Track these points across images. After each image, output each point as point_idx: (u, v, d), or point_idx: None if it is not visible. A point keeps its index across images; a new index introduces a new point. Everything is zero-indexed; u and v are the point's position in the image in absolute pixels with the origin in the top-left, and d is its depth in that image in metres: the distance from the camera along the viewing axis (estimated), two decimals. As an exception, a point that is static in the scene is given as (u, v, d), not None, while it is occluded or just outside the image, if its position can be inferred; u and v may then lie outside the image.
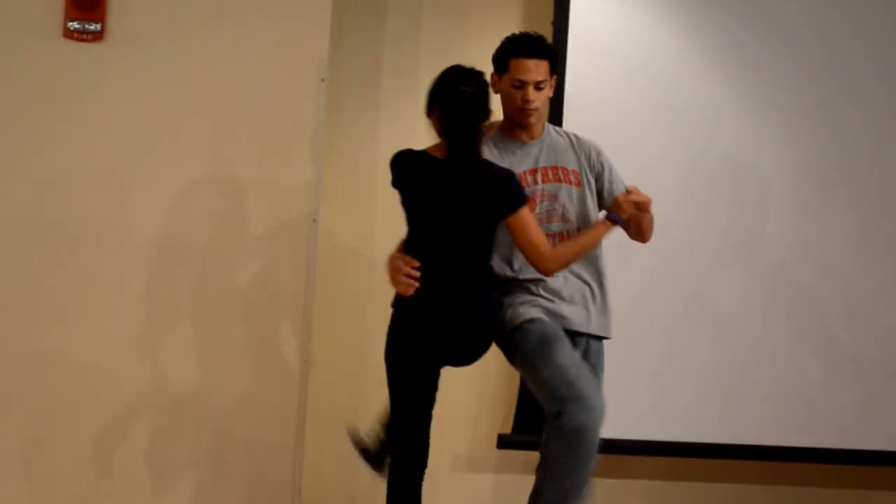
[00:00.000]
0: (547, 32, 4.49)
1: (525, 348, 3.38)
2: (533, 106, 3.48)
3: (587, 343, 3.55)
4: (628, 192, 3.45)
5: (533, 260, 3.39)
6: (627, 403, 4.32)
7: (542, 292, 3.48)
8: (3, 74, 4.07)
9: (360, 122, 4.67)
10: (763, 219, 4.65)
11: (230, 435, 4.16)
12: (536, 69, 3.48)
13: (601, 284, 3.59)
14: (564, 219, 3.51)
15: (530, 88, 3.48)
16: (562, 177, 3.54)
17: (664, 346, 4.60)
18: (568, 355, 3.34)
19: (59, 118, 4.09)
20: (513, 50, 3.51)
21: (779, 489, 4.86)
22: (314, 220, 4.18)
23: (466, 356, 3.41)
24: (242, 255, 4.16)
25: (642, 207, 3.44)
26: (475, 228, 3.34)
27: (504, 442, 4.55)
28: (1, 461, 4.06)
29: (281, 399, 4.15)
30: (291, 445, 4.15)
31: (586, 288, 3.55)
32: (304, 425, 4.18)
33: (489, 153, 3.44)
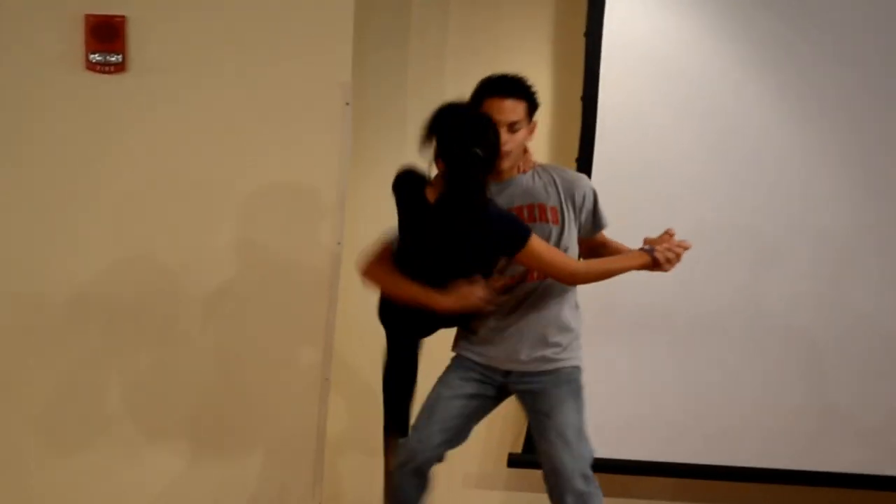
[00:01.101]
0: (580, 45, 4.41)
1: None
2: (506, 148, 3.36)
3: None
4: (669, 234, 3.45)
5: (561, 278, 3.38)
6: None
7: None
8: (28, 107, 4.08)
9: (386, 144, 4.62)
10: (799, 233, 4.52)
11: (252, 443, 4.18)
12: (512, 109, 3.37)
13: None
14: None
15: (503, 129, 3.36)
16: (538, 215, 3.44)
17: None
18: None
19: (84, 148, 4.09)
20: (488, 89, 3.41)
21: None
22: (339, 243, 4.13)
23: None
24: (267, 276, 4.14)
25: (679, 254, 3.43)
26: (476, 268, 3.35)
27: (514, 461, 4.63)
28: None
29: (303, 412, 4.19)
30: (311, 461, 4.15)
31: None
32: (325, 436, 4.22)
33: None
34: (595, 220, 3.57)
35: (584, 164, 4.42)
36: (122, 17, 4.04)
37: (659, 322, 4.51)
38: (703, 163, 4.50)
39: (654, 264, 3.43)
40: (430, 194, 3.31)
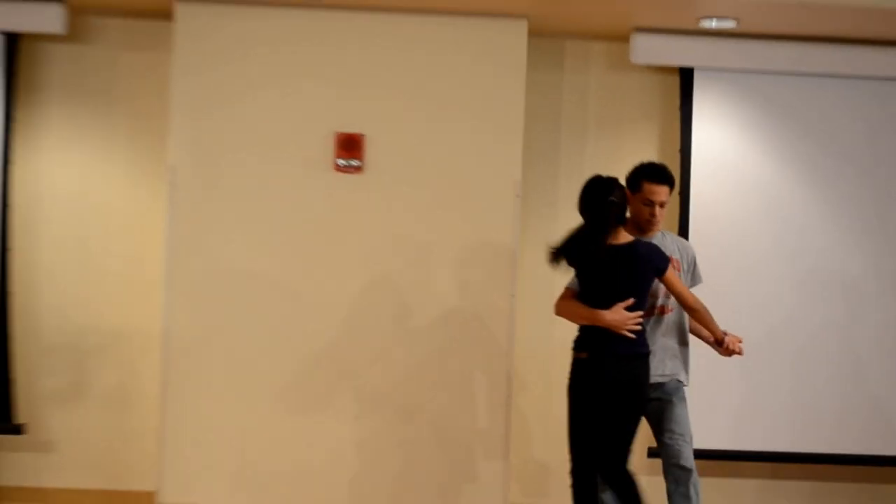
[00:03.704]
0: (675, 158, 6.14)
1: None
2: (657, 220, 4.85)
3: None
4: (740, 339, 4.87)
5: (682, 300, 4.76)
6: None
7: None
8: (294, 195, 5.94)
9: (541, 223, 6.32)
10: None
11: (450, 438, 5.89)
12: (664, 192, 4.84)
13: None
14: (667, 294, 4.79)
15: (657, 207, 4.85)
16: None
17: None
18: None
19: (334, 223, 5.95)
20: (647, 175, 4.78)
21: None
22: (512, 295, 5.82)
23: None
24: (466, 319, 5.90)
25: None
26: (639, 291, 4.68)
27: (652, 452, 6.01)
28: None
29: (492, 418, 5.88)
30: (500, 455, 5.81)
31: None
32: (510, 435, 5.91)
33: None
34: (694, 276, 5.06)
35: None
36: (362, 134, 5.91)
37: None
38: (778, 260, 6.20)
39: (720, 343, 4.84)
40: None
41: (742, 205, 6.19)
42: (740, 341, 4.87)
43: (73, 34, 6.17)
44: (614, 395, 4.65)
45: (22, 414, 6.15)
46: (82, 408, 6.28)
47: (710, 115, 6.21)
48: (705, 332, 4.91)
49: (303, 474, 5.94)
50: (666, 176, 4.85)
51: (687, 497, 4.83)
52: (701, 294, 5.03)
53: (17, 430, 6.10)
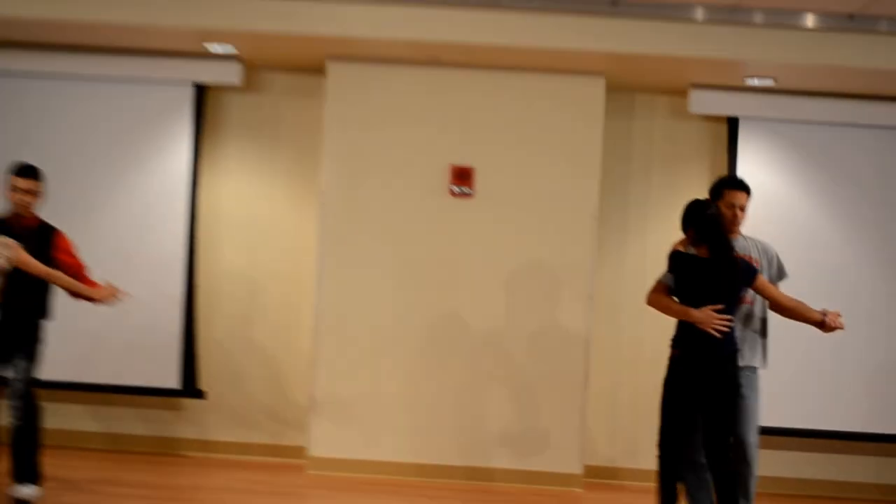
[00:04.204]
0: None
1: None
2: (738, 221, 5.31)
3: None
4: (838, 312, 5.27)
5: (773, 299, 5.28)
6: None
7: None
8: (414, 218, 7.31)
9: (617, 242, 7.69)
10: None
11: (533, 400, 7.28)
12: (744, 198, 5.33)
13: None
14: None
15: (738, 210, 5.32)
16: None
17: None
18: None
19: (449, 242, 7.31)
20: (728, 184, 5.41)
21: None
22: (590, 297, 7.24)
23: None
24: (550, 320, 7.30)
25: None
26: (731, 298, 5.17)
27: None
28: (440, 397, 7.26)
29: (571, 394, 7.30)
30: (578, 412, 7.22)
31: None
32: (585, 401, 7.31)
33: None
34: (780, 271, 5.46)
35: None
36: (472, 167, 7.29)
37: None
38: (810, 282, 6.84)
39: (822, 324, 5.20)
40: (700, 254, 5.16)
41: (778, 231, 6.90)
42: (839, 316, 5.26)
43: (247, 85, 7.58)
44: (701, 391, 5.11)
45: (203, 383, 7.64)
46: (250, 377, 7.71)
47: (751, 156, 7.40)
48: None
49: (422, 430, 7.29)
50: (743, 184, 5.42)
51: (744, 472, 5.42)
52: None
53: (200, 395, 7.62)
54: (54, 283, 5.73)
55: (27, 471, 5.75)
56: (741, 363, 5.27)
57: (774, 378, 6.27)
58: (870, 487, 7.63)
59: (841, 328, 5.27)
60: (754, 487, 5.44)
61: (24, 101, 7.49)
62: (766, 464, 6.73)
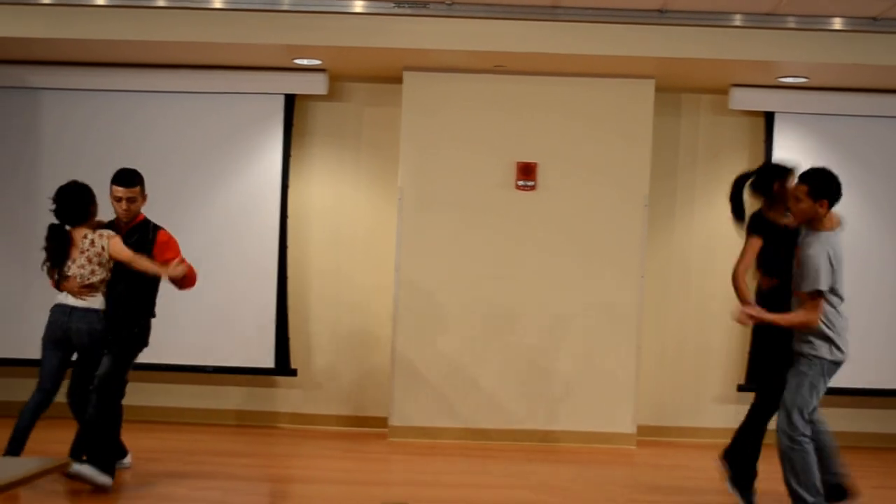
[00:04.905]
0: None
1: None
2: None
3: None
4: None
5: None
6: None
7: None
8: (486, 208, 8.10)
9: (666, 227, 8.46)
10: None
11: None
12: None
13: None
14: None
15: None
16: None
17: None
18: None
19: (514, 231, 8.10)
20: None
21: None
22: (642, 276, 8.01)
23: None
24: (604, 296, 8.11)
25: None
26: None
27: (740, 387, 8.11)
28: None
29: (625, 363, 8.09)
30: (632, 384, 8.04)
31: None
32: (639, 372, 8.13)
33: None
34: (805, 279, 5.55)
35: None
36: (535, 163, 8.07)
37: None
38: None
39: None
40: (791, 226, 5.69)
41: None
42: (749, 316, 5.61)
43: (332, 94, 8.38)
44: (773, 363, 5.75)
45: (294, 361, 8.42)
46: (336, 356, 8.50)
47: (786, 147, 8.07)
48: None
49: (491, 398, 8.05)
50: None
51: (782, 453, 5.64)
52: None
53: (293, 372, 8.40)
54: (139, 268, 6.06)
55: (94, 456, 6.09)
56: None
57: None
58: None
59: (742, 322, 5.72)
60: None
61: (137, 115, 8.35)
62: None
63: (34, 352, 6.38)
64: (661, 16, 7.40)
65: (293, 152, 8.42)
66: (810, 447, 5.54)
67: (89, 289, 6.13)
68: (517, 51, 7.57)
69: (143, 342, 6.36)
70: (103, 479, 6.07)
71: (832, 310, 5.55)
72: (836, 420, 7.89)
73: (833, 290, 5.53)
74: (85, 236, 6.13)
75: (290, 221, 8.40)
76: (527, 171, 8.08)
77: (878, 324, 8.05)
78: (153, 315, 6.42)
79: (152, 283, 6.33)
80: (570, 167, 8.11)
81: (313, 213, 8.56)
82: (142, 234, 6.29)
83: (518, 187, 8.10)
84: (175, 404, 8.48)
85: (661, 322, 8.43)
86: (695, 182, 8.48)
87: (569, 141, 8.09)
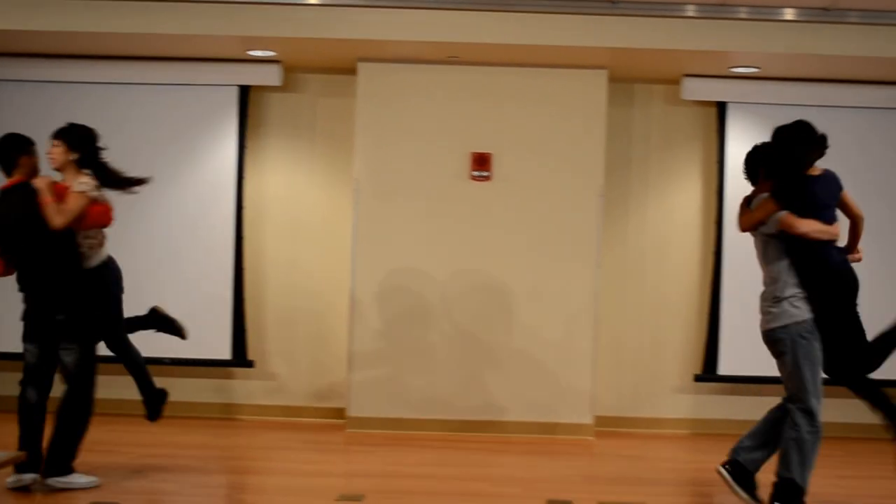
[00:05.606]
0: (713, 169, 8.31)
1: None
2: None
3: None
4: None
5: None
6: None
7: None
8: (438, 198, 8.14)
9: (620, 217, 8.53)
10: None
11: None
12: None
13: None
14: None
15: None
16: None
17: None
18: None
19: (468, 220, 8.15)
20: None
21: None
22: (598, 266, 8.08)
23: None
24: (552, 294, 8.16)
25: None
26: None
27: (697, 377, 8.26)
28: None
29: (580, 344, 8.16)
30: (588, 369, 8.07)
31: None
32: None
33: None
34: None
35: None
36: (490, 153, 8.12)
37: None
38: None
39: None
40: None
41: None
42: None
43: (287, 85, 8.40)
44: None
45: (251, 352, 8.46)
46: (293, 347, 8.53)
47: (738, 136, 8.13)
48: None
49: (447, 389, 8.11)
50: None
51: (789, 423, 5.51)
52: (732, 287, 7.58)
53: (249, 364, 8.45)
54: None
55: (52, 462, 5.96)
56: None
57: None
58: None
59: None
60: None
61: (86, 106, 8.19)
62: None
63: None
64: (613, 6, 7.47)
65: (248, 144, 8.45)
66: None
67: None
68: (471, 41, 7.61)
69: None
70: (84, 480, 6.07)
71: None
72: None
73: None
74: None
75: (245, 213, 8.44)
76: (481, 162, 8.13)
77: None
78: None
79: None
80: (525, 158, 8.17)
81: (269, 204, 8.59)
82: (21, 190, 5.97)
83: (473, 178, 8.13)
84: (131, 397, 8.31)
85: (618, 312, 8.50)
86: (648, 172, 8.56)
87: (523, 131, 8.16)
